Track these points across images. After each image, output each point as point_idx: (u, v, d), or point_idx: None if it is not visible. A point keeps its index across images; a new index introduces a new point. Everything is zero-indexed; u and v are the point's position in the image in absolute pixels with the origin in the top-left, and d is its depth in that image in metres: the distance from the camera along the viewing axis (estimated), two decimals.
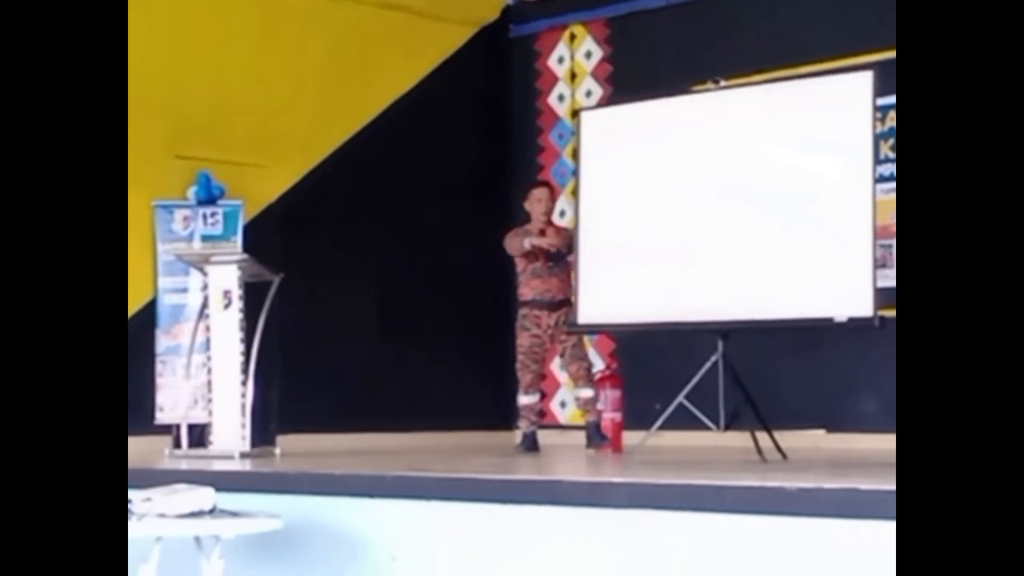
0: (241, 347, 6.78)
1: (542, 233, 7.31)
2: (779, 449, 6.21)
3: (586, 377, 7.33)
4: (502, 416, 9.59)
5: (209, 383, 6.87)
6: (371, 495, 4.89)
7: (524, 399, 7.45)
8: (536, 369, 7.42)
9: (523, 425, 7.46)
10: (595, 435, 7.30)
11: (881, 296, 5.92)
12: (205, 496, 4.38)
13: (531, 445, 7.35)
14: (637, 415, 7.39)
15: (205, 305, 6.97)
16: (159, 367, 7.95)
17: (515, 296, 10.01)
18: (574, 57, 9.71)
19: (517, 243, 7.35)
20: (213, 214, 8.07)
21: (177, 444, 7.12)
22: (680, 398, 6.87)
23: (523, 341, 7.44)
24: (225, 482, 4.87)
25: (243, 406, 6.70)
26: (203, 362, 7.00)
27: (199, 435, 7.06)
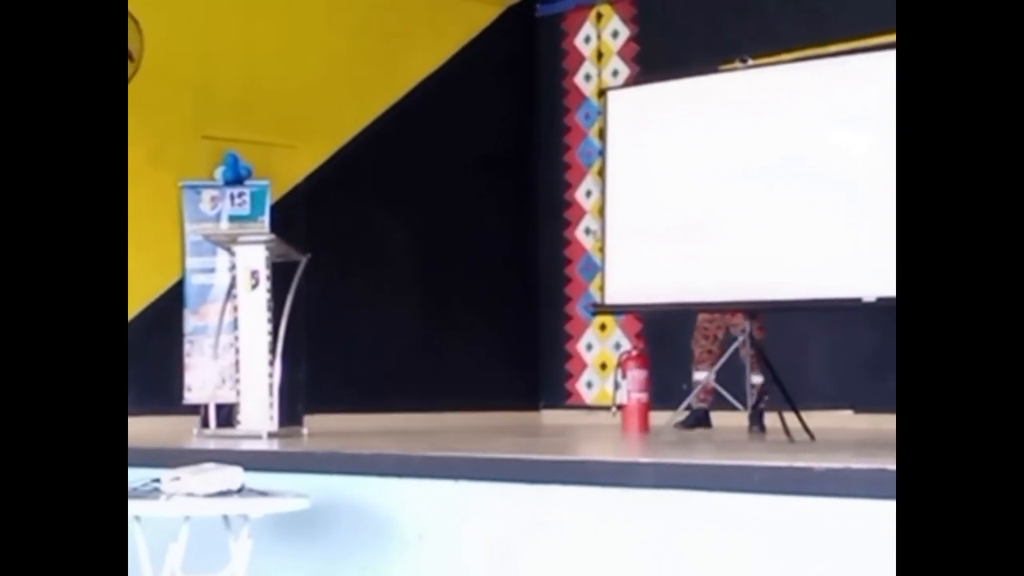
0: (268, 327, 6.79)
1: None
2: (807, 429, 6.18)
3: (753, 364, 6.80)
4: (529, 396, 9.61)
5: (237, 363, 6.88)
6: (398, 475, 4.90)
7: (695, 375, 7.16)
8: (707, 345, 7.13)
9: (693, 402, 7.06)
10: (757, 423, 6.87)
11: None
12: (233, 475, 4.39)
13: (692, 422, 6.96)
14: (664, 395, 7.39)
15: (233, 285, 6.98)
16: (187, 347, 7.98)
17: (541, 276, 10.03)
18: (601, 36, 9.68)
19: None
20: (240, 194, 8.09)
21: (205, 424, 7.15)
22: (707, 378, 6.86)
23: (700, 315, 7.20)
24: (253, 462, 4.88)
25: (271, 386, 6.71)
26: (231, 342, 7.02)
27: (227, 415, 7.08)
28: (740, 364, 6.52)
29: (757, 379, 6.81)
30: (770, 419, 6.20)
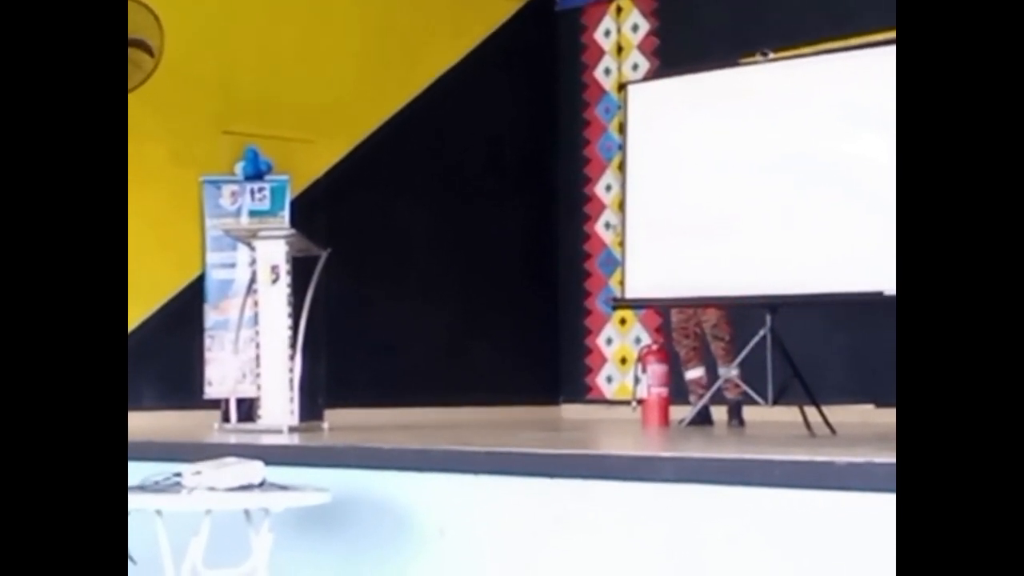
0: (289, 322, 6.80)
1: None
2: (828, 424, 6.17)
3: (724, 357, 7.08)
4: (548, 390, 9.61)
5: (257, 358, 6.90)
6: (419, 469, 4.90)
7: (687, 374, 7.34)
8: (690, 343, 7.30)
9: (693, 400, 7.19)
10: (735, 416, 7.11)
11: None
12: (254, 470, 4.40)
13: (697, 419, 6.96)
14: (684, 390, 7.38)
15: (253, 280, 7.00)
16: (208, 342, 8.00)
17: (561, 271, 10.01)
18: (620, 30, 9.67)
19: None
20: (261, 189, 8.11)
21: (226, 418, 7.16)
22: (728, 372, 6.85)
23: (673, 317, 7.45)
24: (274, 456, 4.90)
25: (291, 380, 6.72)
26: (251, 337, 7.03)
27: (248, 409, 7.10)
28: (759, 357, 6.49)
29: (731, 372, 6.83)
30: (791, 413, 6.19)
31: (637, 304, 7.94)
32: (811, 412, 6.16)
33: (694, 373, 7.32)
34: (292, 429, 6.58)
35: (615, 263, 8.83)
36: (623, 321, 9.43)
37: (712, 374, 7.18)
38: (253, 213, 8.06)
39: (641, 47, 9.54)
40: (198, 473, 4.34)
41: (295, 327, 6.79)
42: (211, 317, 8.03)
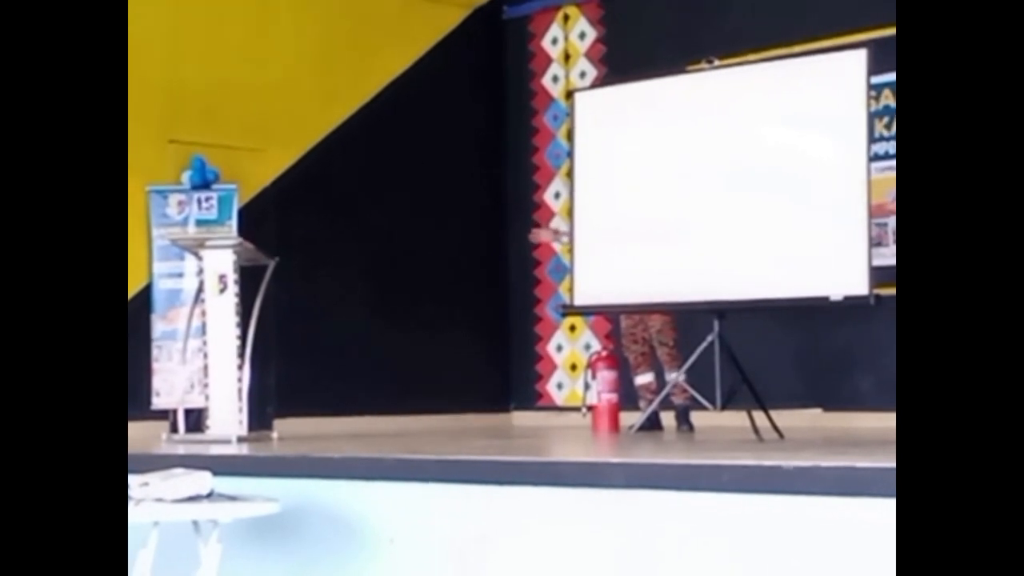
0: (237, 331, 6.76)
1: None
2: (776, 428, 6.21)
3: (670, 362, 7.15)
4: (499, 398, 9.62)
5: (205, 367, 6.85)
6: (369, 478, 4.89)
7: (636, 380, 7.38)
8: (638, 349, 7.35)
9: (642, 406, 7.23)
10: (684, 421, 7.20)
11: (876, 275, 5.92)
12: (202, 480, 4.38)
13: (647, 425, 6.99)
14: (634, 396, 7.41)
15: (201, 290, 6.95)
16: (155, 352, 7.95)
17: (511, 278, 10.04)
18: (568, 38, 9.70)
19: None
20: (208, 198, 8.06)
21: (174, 429, 7.12)
22: (676, 378, 6.88)
23: (622, 323, 7.51)
24: (222, 466, 4.87)
25: (240, 390, 6.69)
26: (199, 347, 6.99)
27: (196, 420, 7.06)
28: (708, 363, 6.53)
29: (680, 378, 6.87)
30: (739, 418, 6.23)
31: (586, 311, 7.96)
32: (759, 417, 6.21)
33: (643, 379, 7.36)
34: (241, 439, 6.55)
35: (564, 270, 8.85)
36: (573, 328, 9.46)
37: (661, 380, 7.22)
38: (200, 222, 8.01)
39: (588, 54, 9.58)
40: (146, 484, 4.31)
41: (243, 336, 6.76)
42: (158, 327, 7.98)
